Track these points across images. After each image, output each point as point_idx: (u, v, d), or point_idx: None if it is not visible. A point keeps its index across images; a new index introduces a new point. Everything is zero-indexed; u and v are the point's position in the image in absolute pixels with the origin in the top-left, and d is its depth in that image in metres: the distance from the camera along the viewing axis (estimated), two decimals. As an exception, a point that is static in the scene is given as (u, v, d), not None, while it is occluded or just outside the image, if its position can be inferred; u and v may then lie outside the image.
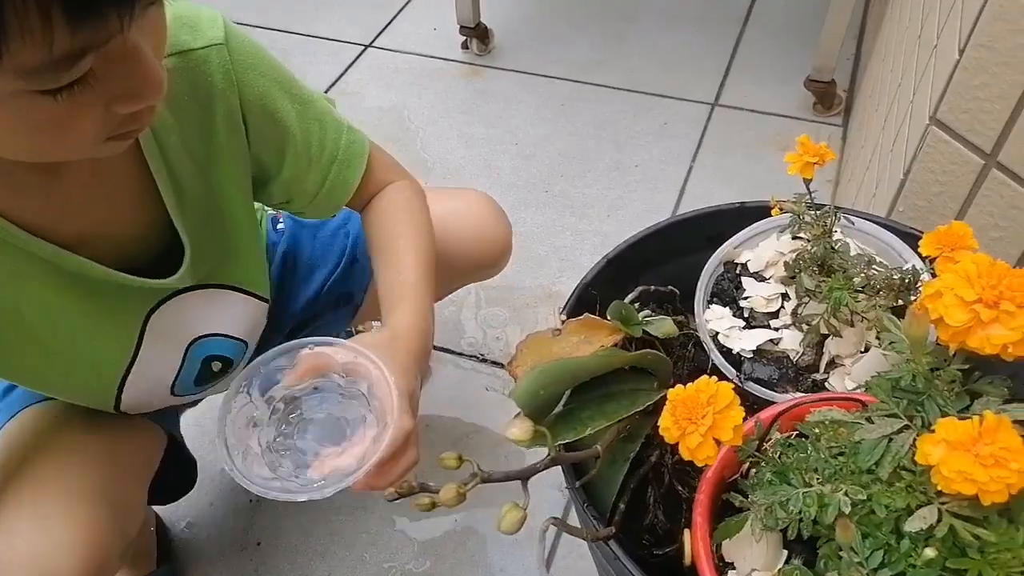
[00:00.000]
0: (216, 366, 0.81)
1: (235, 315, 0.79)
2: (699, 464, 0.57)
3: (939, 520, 0.51)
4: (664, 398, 0.58)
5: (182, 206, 0.67)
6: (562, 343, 0.71)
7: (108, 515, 0.71)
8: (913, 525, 0.51)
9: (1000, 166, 0.78)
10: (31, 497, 0.67)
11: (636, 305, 0.78)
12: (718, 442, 0.56)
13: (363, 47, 1.97)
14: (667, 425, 0.57)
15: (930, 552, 0.51)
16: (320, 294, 0.96)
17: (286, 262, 0.95)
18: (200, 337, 0.77)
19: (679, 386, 0.57)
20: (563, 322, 0.73)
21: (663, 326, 0.70)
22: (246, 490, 0.57)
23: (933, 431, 0.52)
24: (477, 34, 1.86)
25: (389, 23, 2.04)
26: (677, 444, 0.56)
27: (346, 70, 1.91)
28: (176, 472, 0.89)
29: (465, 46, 1.91)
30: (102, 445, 0.75)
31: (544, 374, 0.59)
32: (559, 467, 0.62)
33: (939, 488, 0.50)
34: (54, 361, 0.68)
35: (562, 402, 0.64)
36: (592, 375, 0.64)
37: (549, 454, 0.55)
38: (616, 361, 0.65)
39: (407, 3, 2.09)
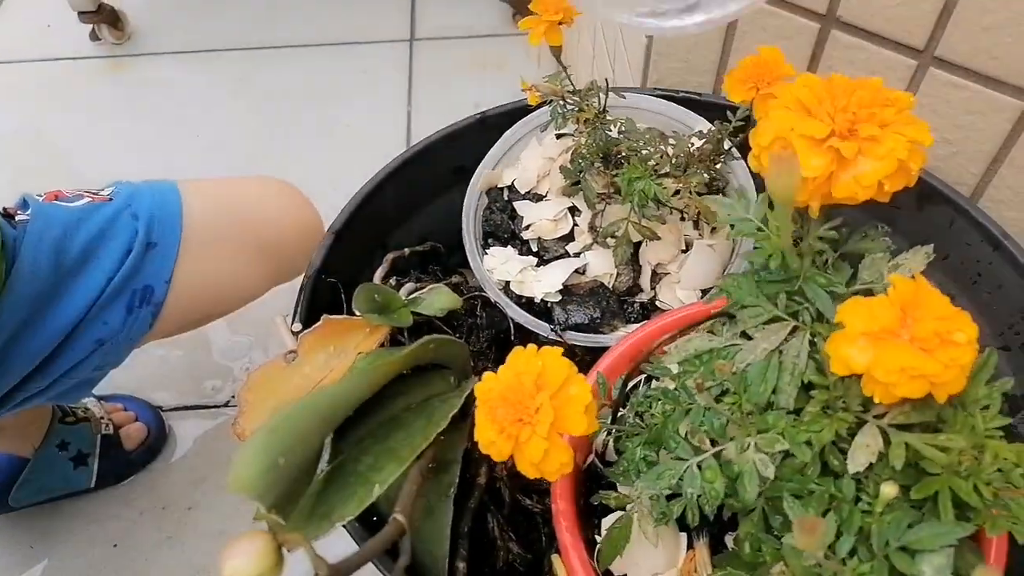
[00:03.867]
0: None
1: None
2: (552, 479, 0.38)
3: (887, 442, 0.36)
4: (472, 394, 0.38)
5: None
6: (304, 368, 0.48)
7: None
8: (859, 460, 0.36)
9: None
10: None
11: (393, 282, 0.56)
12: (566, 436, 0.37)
13: (-49, 68, 1.51)
14: (490, 438, 0.38)
15: (889, 489, 0.36)
16: (104, 292, 0.70)
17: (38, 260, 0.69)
18: None
19: (487, 374, 0.38)
20: (298, 336, 0.50)
21: (438, 299, 0.49)
22: None
23: (833, 325, 0.37)
24: (104, 19, 1.48)
25: (-21, 31, 1.58)
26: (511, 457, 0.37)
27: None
28: None
29: (95, 36, 1.52)
30: None
31: (277, 433, 0.35)
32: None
33: (878, 400, 0.35)
34: None
35: (324, 458, 0.41)
36: (357, 404, 0.41)
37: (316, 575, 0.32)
38: (386, 370, 0.43)
39: (-2, 2, 1.64)
